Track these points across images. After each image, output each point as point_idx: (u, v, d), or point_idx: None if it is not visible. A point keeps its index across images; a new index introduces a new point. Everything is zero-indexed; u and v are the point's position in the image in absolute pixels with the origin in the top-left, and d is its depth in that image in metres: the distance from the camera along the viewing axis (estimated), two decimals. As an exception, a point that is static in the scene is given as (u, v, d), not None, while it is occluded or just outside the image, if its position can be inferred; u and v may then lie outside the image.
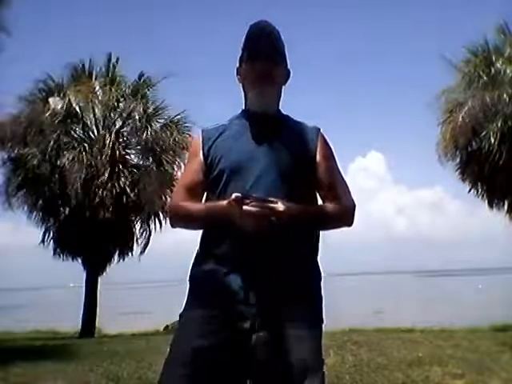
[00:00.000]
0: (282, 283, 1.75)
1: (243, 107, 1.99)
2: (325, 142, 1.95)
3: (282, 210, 1.70)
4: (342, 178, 1.95)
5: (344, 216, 1.91)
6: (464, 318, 13.62)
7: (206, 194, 1.93)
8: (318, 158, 1.90)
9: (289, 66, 1.99)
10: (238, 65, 1.97)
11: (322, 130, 1.96)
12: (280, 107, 1.98)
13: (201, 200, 1.93)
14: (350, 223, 1.93)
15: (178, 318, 1.90)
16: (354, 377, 5.54)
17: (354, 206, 1.93)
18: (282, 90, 1.97)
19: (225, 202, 1.72)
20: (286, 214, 1.71)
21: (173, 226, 1.98)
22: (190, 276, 1.89)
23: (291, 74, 2.00)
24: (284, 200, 1.73)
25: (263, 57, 1.88)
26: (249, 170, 1.82)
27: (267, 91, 1.90)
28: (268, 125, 1.90)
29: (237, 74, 1.98)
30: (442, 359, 6.34)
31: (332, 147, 1.97)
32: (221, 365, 1.73)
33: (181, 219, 1.94)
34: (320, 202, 1.92)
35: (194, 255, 1.90)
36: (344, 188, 1.92)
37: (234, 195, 1.69)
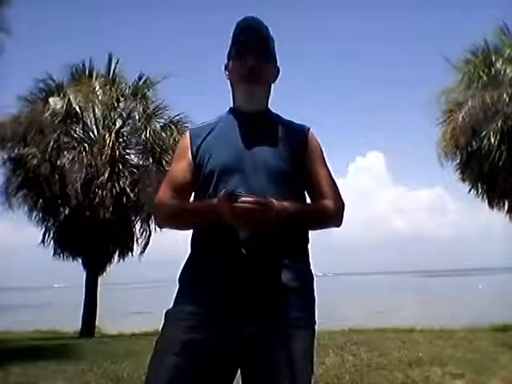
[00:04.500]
0: (274, 284, 1.72)
1: (231, 105, 1.94)
2: (315, 141, 1.91)
3: (274, 205, 1.66)
4: (332, 178, 1.90)
5: (335, 216, 1.87)
6: (464, 317, 13.61)
7: (194, 194, 1.88)
8: (308, 157, 1.87)
9: (278, 63, 1.94)
10: (225, 61, 1.92)
11: (311, 129, 1.93)
12: (270, 106, 1.93)
13: (188, 201, 1.88)
14: (339, 223, 1.89)
15: None
16: (354, 377, 5.54)
17: (344, 205, 1.89)
18: (272, 87, 1.93)
19: (215, 200, 1.68)
20: (278, 210, 1.67)
21: (161, 225, 1.94)
22: (180, 276, 1.83)
23: (280, 72, 1.95)
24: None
25: (252, 54, 1.83)
26: (238, 171, 1.78)
27: (256, 89, 1.85)
28: (257, 124, 1.87)
29: (225, 70, 1.93)
30: (442, 359, 6.34)
31: (322, 146, 1.94)
32: (210, 359, 1.68)
33: (170, 218, 1.87)
34: (309, 201, 1.89)
35: (187, 256, 1.85)
36: (334, 188, 1.88)
37: (223, 191, 1.65)
